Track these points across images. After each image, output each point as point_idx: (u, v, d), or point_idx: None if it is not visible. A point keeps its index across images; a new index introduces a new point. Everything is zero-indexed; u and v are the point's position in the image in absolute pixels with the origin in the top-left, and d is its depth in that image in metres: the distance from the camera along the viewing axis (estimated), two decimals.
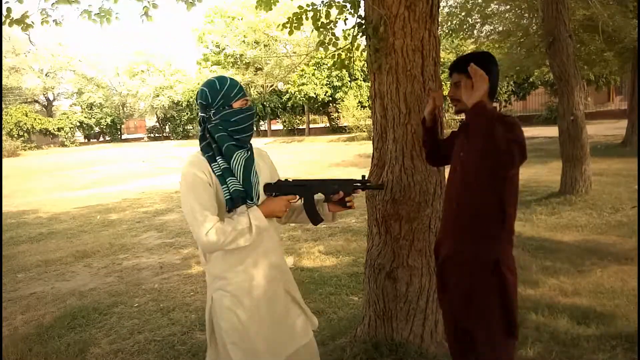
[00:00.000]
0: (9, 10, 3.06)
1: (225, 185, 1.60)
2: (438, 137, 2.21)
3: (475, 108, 1.62)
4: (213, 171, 1.61)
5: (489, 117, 1.59)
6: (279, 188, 1.73)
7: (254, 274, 1.68)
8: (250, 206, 1.63)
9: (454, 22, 10.81)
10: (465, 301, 1.83)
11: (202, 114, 1.66)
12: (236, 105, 1.63)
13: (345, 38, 3.05)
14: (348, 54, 3.04)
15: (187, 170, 1.59)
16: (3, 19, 3.03)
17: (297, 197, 1.74)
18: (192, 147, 27.14)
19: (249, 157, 1.67)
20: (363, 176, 1.82)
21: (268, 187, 1.72)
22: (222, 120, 1.62)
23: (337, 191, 1.75)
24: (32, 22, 3.18)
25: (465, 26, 10.95)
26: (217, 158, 1.62)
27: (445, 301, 2.00)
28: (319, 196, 1.79)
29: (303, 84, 26.68)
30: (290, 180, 1.77)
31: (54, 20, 3.31)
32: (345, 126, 26.59)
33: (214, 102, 1.62)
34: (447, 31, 11.00)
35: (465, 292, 1.83)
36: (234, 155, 1.63)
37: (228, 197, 1.60)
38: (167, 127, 40.22)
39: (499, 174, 1.72)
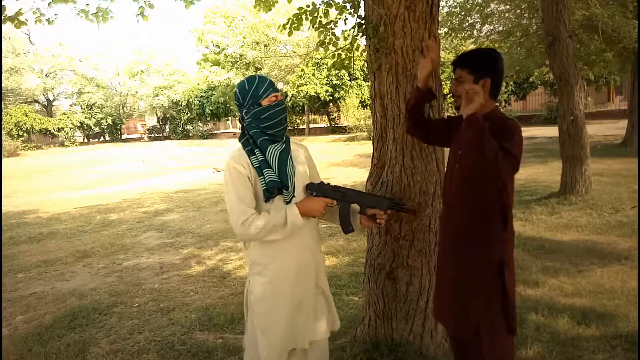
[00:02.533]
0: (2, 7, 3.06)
1: (262, 177, 1.69)
2: (424, 109, 2.11)
3: (468, 119, 1.63)
4: (252, 164, 1.71)
5: (479, 128, 1.58)
6: (320, 189, 1.81)
7: (289, 264, 1.76)
8: (286, 196, 1.72)
9: (454, 21, 10.82)
10: (469, 303, 1.83)
11: (240, 113, 1.78)
12: (265, 102, 1.72)
13: (345, 38, 3.05)
14: (348, 54, 3.04)
15: (228, 163, 1.72)
16: None
17: (335, 202, 1.83)
18: (192, 147, 27.16)
19: (284, 150, 1.76)
20: (400, 199, 1.93)
21: (310, 187, 1.81)
22: (254, 118, 1.72)
23: (373, 206, 1.84)
24: (26, 20, 3.18)
25: (464, 26, 10.95)
26: (255, 151, 1.72)
27: (444, 303, 1.98)
28: (354, 206, 1.87)
29: (302, 85, 26.67)
30: (332, 185, 1.85)
31: (47, 19, 3.31)
32: (345, 126, 26.60)
33: (245, 101, 1.73)
34: (446, 31, 11.00)
35: (469, 293, 1.83)
36: (268, 149, 1.72)
37: (264, 187, 1.69)
38: (167, 127, 40.23)
39: (491, 181, 1.73)
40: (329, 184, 1.84)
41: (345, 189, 1.84)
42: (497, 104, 1.92)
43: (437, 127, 2.08)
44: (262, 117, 1.71)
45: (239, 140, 1.79)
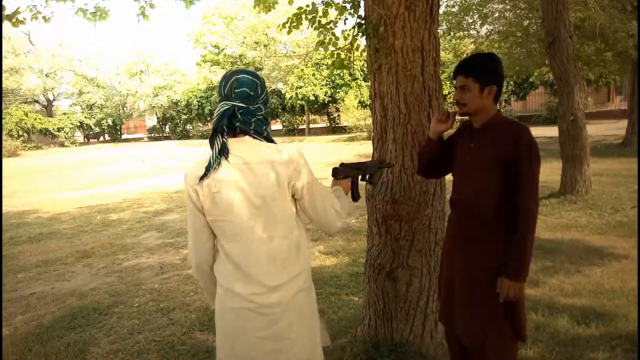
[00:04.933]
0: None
1: None
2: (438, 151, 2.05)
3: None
4: None
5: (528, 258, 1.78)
6: (343, 171, 1.86)
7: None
8: None
9: (452, 21, 10.82)
10: (476, 308, 1.83)
11: (251, 105, 1.48)
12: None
13: (345, 38, 3.05)
14: (348, 54, 3.04)
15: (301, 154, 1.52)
16: None
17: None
18: (192, 147, 27.15)
19: None
20: (383, 159, 2.11)
21: (335, 171, 1.85)
22: (264, 117, 1.53)
23: (373, 173, 2.04)
24: (24, 19, 3.19)
25: (463, 25, 10.96)
26: None
27: (451, 308, 1.98)
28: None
29: (300, 87, 26.66)
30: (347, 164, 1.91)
31: (43, 17, 3.31)
32: (345, 126, 26.58)
33: (262, 96, 1.52)
34: (444, 29, 11.00)
35: (476, 299, 1.83)
36: None
37: None
38: (167, 127, 40.23)
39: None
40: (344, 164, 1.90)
41: (357, 164, 1.94)
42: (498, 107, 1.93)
43: (444, 162, 2.04)
44: (268, 119, 1.56)
45: (264, 137, 1.51)
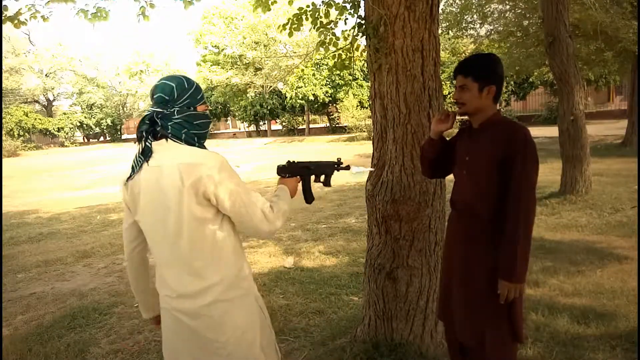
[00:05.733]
0: (4, 8, 3.08)
1: None
2: (440, 151, 2.05)
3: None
4: None
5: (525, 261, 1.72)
6: (289, 169, 1.77)
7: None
8: None
9: (451, 20, 10.83)
10: (476, 310, 1.83)
11: (161, 110, 1.49)
12: (200, 108, 1.55)
13: (345, 39, 3.05)
14: (348, 54, 3.04)
15: (222, 158, 1.49)
16: None
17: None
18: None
19: None
20: (338, 159, 1.93)
21: (280, 169, 1.77)
22: (185, 120, 1.50)
23: (328, 173, 1.89)
24: (26, 20, 3.19)
25: (462, 24, 10.96)
26: None
27: (449, 307, 1.98)
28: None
29: (300, 87, 26.65)
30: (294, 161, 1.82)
31: (41, 16, 3.30)
32: (345, 126, 26.60)
33: (180, 100, 1.50)
34: (443, 28, 11.01)
35: (476, 300, 1.83)
36: None
37: None
38: None
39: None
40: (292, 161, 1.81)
41: (308, 163, 1.82)
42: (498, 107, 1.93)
43: (447, 162, 2.04)
44: (194, 122, 1.51)
45: (154, 139, 1.48)
